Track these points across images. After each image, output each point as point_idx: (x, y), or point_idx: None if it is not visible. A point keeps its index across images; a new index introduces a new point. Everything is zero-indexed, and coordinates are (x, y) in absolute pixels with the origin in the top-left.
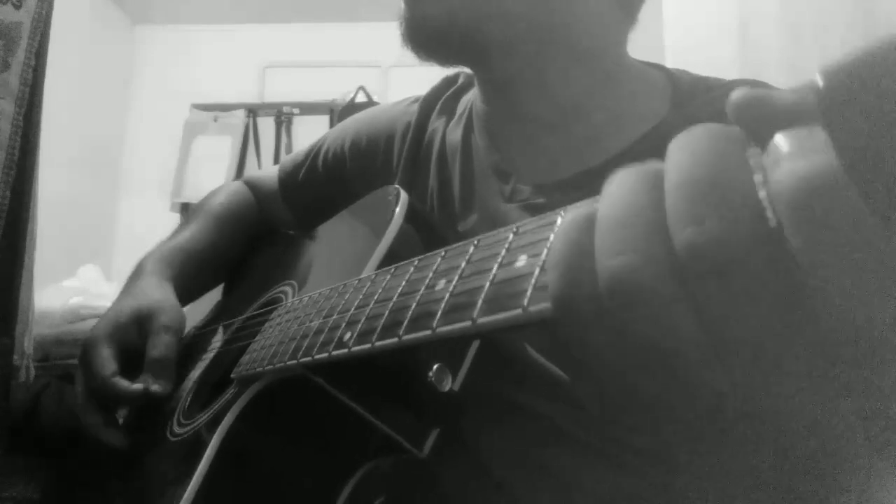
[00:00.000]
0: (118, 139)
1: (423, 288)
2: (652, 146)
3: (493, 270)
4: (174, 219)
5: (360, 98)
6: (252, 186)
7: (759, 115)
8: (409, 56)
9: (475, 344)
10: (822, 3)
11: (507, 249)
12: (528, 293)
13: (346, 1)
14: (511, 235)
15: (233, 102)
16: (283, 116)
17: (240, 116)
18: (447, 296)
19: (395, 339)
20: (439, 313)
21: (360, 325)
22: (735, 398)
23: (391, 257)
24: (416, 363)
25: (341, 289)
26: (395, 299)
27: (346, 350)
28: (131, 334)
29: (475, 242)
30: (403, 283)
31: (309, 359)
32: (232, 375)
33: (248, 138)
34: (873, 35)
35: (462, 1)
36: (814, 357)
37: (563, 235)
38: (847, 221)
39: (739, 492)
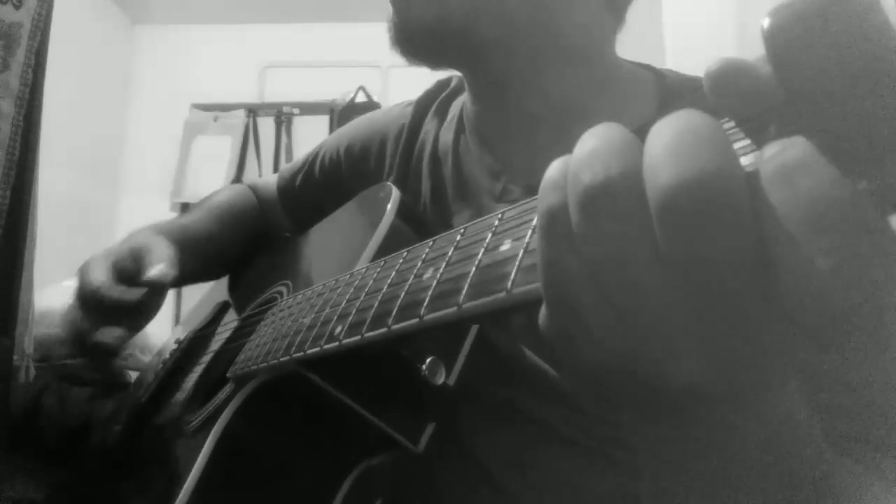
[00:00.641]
0: (118, 139)
1: (411, 277)
2: None
3: (479, 256)
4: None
5: (360, 98)
6: (254, 192)
7: (735, 84)
8: None
9: (470, 337)
10: None
11: (493, 234)
12: (513, 276)
13: (346, 1)
14: (496, 222)
15: (233, 102)
16: (283, 116)
17: (240, 116)
18: (434, 283)
19: (384, 330)
20: (426, 301)
21: (350, 318)
22: (709, 368)
23: (384, 253)
24: (409, 357)
25: (333, 284)
26: (384, 290)
27: (336, 343)
28: (127, 262)
29: (462, 231)
30: (393, 273)
31: (301, 354)
32: (227, 374)
33: (248, 138)
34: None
35: (453, 3)
36: (777, 329)
37: (540, 203)
38: (820, 195)
39: (720, 494)
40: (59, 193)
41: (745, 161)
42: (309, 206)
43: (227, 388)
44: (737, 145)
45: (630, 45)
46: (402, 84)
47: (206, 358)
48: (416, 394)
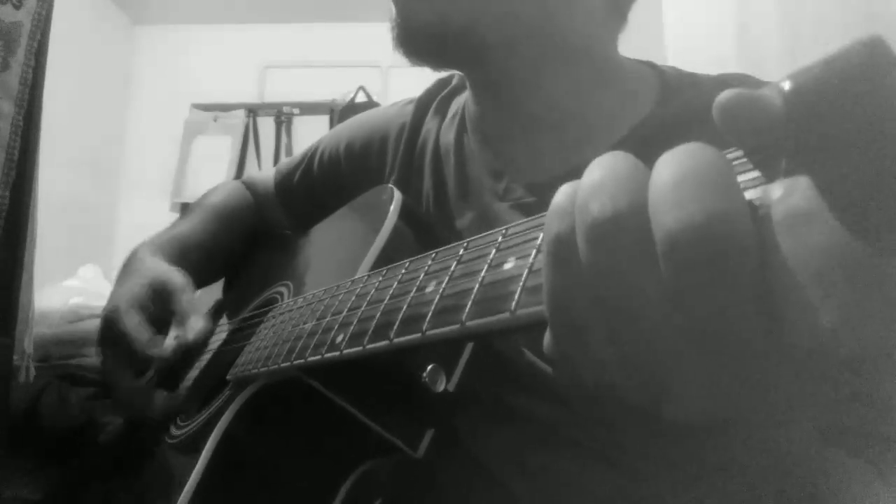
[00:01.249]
0: (118, 139)
1: (413, 290)
2: (638, 140)
3: (483, 272)
4: (174, 219)
5: (360, 98)
6: (249, 187)
7: (744, 116)
8: None
9: (470, 344)
10: (822, 3)
11: (497, 250)
12: (517, 296)
13: (346, 1)
14: (500, 238)
15: (233, 102)
16: (283, 116)
17: (240, 116)
18: (437, 298)
19: (385, 342)
20: (429, 315)
21: (351, 328)
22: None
23: (386, 256)
24: (410, 364)
25: (334, 290)
26: (386, 301)
27: (338, 352)
28: (151, 301)
29: (465, 245)
30: (395, 284)
31: (302, 361)
32: (227, 377)
33: (248, 138)
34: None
35: (455, 4)
36: (783, 372)
37: (547, 229)
38: (827, 249)
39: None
40: (59, 193)
41: (752, 195)
42: (307, 203)
43: (227, 391)
44: (744, 177)
45: (631, 45)
46: (402, 84)
47: (205, 358)
48: (416, 400)
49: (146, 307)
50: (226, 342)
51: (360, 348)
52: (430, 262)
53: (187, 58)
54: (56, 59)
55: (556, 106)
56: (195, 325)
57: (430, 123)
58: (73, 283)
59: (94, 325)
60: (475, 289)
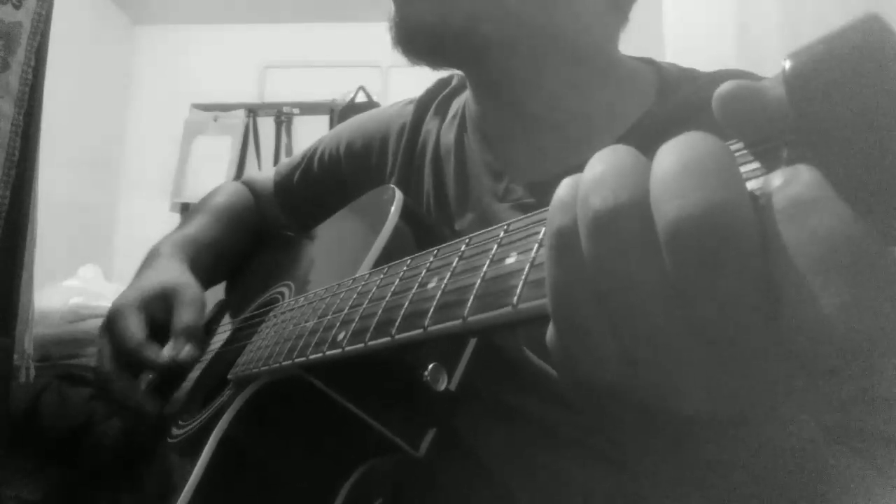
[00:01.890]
0: (118, 139)
1: (415, 286)
2: (637, 136)
3: (484, 267)
4: (174, 219)
5: (360, 98)
6: (249, 187)
7: (744, 108)
8: None
9: (471, 343)
10: (822, 3)
11: (499, 245)
12: (519, 290)
13: (346, 1)
14: (502, 233)
15: (233, 102)
16: (283, 116)
17: (240, 116)
18: (439, 293)
19: (387, 339)
20: (431, 311)
21: (353, 325)
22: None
23: (387, 256)
24: (411, 362)
25: (336, 288)
26: (388, 298)
27: (339, 350)
28: (157, 307)
29: (466, 241)
30: (397, 281)
31: (304, 359)
32: (228, 376)
33: (248, 138)
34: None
35: (455, 3)
36: (785, 362)
37: (549, 223)
38: (830, 234)
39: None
40: (59, 193)
41: (753, 185)
42: (307, 203)
43: (228, 391)
44: (745, 168)
45: (630, 45)
46: (402, 84)
47: (207, 357)
48: (417, 399)
49: (151, 308)
50: (227, 342)
51: (362, 345)
52: (431, 259)
53: (187, 58)
54: (56, 59)
55: (558, 105)
56: (181, 349)
57: (430, 124)
58: (73, 283)
59: (94, 325)
60: (477, 284)
